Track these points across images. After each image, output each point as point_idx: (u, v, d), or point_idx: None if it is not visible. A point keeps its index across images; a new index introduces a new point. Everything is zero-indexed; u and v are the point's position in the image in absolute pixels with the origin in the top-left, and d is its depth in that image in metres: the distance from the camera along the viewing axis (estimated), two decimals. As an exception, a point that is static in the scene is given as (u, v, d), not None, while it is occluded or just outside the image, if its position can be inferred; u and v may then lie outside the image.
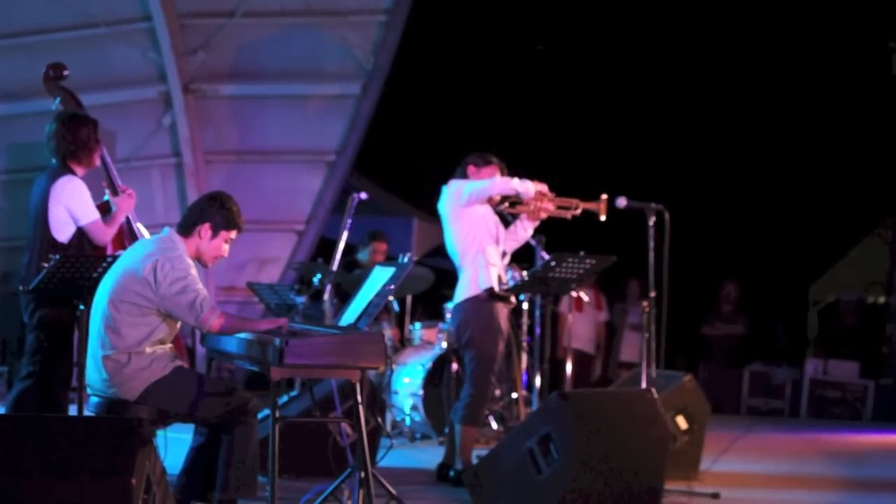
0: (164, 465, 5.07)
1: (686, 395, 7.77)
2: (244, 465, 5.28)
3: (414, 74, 14.64)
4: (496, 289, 7.30)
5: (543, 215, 7.52)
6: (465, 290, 7.37)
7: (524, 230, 7.63)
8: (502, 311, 7.38)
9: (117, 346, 5.22)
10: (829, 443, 10.84)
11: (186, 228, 5.43)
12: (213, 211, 5.42)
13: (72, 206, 6.19)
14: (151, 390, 5.23)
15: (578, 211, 7.51)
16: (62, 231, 6.20)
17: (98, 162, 6.43)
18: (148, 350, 5.26)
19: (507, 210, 7.60)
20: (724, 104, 15.66)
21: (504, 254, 7.56)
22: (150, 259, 5.23)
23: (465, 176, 7.51)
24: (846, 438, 11.27)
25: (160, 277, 5.17)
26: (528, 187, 7.38)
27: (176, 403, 5.26)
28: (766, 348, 14.59)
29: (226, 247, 5.51)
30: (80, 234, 6.22)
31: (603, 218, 7.43)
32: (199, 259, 5.47)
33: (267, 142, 12.84)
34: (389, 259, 9.56)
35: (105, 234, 6.27)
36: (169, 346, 5.43)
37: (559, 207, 7.51)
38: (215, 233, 5.42)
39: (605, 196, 7.42)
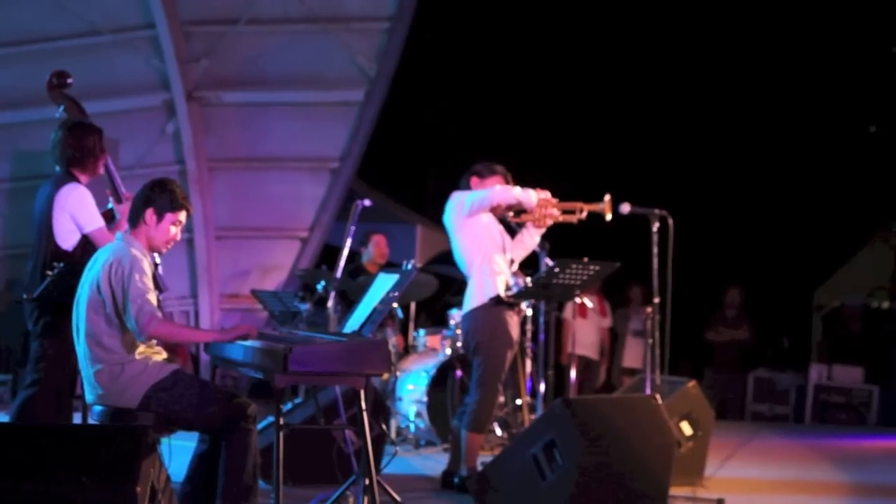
0: (168, 472, 5.07)
1: (690, 400, 7.76)
2: (244, 471, 5.27)
3: (417, 81, 14.67)
4: (502, 296, 7.30)
5: (549, 222, 7.50)
6: (472, 299, 7.37)
7: (531, 238, 7.63)
8: (512, 319, 7.36)
9: (106, 360, 5.21)
10: (833, 448, 10.82)
11: (133, 220, 5.40)
12: (155, 195, 5.38)
13: (76, 213, 6.20)
14: (152, 396, 5.22)
15: (584, 214, 7.48)
16: (67, 239, 6.21)
17: (102, 170, 6.44)
18: (139, 357, 5.26)
19: (513, 219, 7.60)
20: (727, 110, 15.68)
21: (512, 262, 7.56)
22: (106, 265, 5.23)
23: (468, 186, 7.51)
24: (851, 444, 11.26)
25: (114, 283, 5.18)
26: (529, 195, 7.38)
27: (176, 408, 5.24)
28: (770, 353, 14.58)
29: (174, 230, 5.42)
30: (85, 241, 6.23)
31: (609, 217, 7.41)
32: (151, 247, 5.43)
33: (270, 149, 12.86)
34: (393, 265, 9.56)
35: (109, 242, 6.28)
36: (164, 354, 5.42)
37: (564, 212, 7.50)
38: (160, 217, 5.36)
39: (608, 196, 7.41)
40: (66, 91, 6.56)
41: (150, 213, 5.36)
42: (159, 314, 5.20)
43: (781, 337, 15.49)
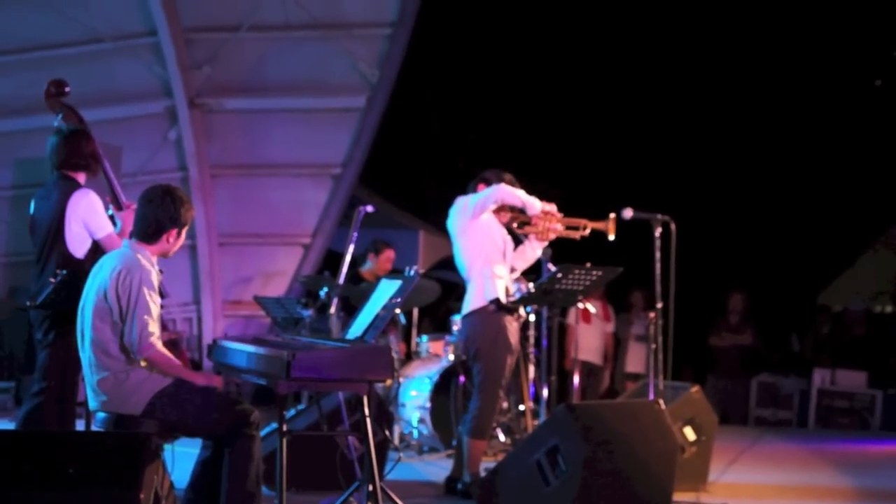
0: (171, 479, 5.07)
1: (694, 405, 7.76)
2: (247, 478, 5.26)
3: (419, 88, 14.67)
4: (503, 300, 7.29)
5: (552, 235, 7.50)
6: (471, 301, 7.36)
7: (532, 251, 7.63)
8: (511, 325, 7.35)
9: (111, 367, 5.22)
10: (837, 453, 10.81)
11: (153, 236, 5.41)
12: (175, 214, 5.40)
13: (88, 220, 6.21)
14: (155, 403, 5.22)
15: (587, 231, 7.48)
16: (79, 247, 6.21)
17: (100, 174, 6.44)
18: (144, 364, 5.26)
19: (517, 231, 7.59)
20: (730, 115, 15.68)
21: (512, 269, 7.56)
22: (114, 272, 5.25)
23: (475, 192, 7.50)
24: (854, 448, 11.25)
25: (120, 292, 5.20)
26: (534, 202, 7.36)
27: (180, 415, 5.24)
28: (776, 358, 14.57)
29: (182, 238, 5.55)
30: (94, 248, 6.22)
31: (612, 237, 7.41)
32: (162, 255, 5.48)
33: (273, 155, 12.86)
34: (395, 271, 9.55)
35: (118, 248, 6.28)
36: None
37: (567, 227, 7.49)
38: (180, 233, 5.46)
39: (613, 215, 7.41)
40: (63, 100, 6.56)
41: (173, 234, 5.40)
42: (159, 337, 5.23)
43: (791, 337, 15.43)
